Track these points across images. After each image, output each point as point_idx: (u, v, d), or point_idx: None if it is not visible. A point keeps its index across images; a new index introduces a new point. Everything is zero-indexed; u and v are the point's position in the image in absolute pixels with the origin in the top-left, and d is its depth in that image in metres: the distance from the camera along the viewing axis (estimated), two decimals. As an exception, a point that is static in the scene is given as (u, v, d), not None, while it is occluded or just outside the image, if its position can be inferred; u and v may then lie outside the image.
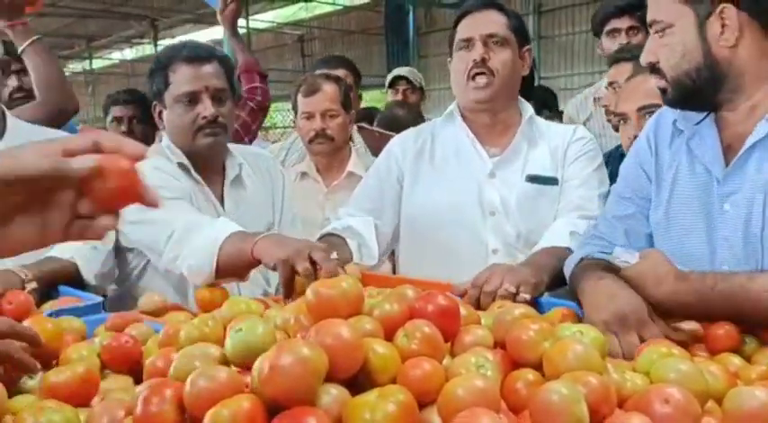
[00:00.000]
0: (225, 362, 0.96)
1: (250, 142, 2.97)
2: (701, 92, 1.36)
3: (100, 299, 1.65)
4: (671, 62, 1.37)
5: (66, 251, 1.86)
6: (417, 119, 3.28)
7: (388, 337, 1.00)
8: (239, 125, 2.89)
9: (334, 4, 15.93)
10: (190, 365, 0.94)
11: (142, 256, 1.95)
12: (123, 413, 0.94)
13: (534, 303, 1.45)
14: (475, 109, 1.96)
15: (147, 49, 20.57)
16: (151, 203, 0.72)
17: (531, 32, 13.88)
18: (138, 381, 1.15)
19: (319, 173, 2.63)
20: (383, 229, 2.00)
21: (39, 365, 1.10)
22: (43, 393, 1.04)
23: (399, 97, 4.11)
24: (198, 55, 1.92)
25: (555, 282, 1.60)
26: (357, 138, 2.87)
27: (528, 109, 2.00)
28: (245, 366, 0.93)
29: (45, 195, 0.70)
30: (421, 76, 4.30)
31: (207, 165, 1.97)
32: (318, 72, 2.92)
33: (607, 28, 2.98)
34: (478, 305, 1.45)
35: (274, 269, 1.47)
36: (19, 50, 2.28)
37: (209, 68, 1.92)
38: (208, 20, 13.94)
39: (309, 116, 2.50)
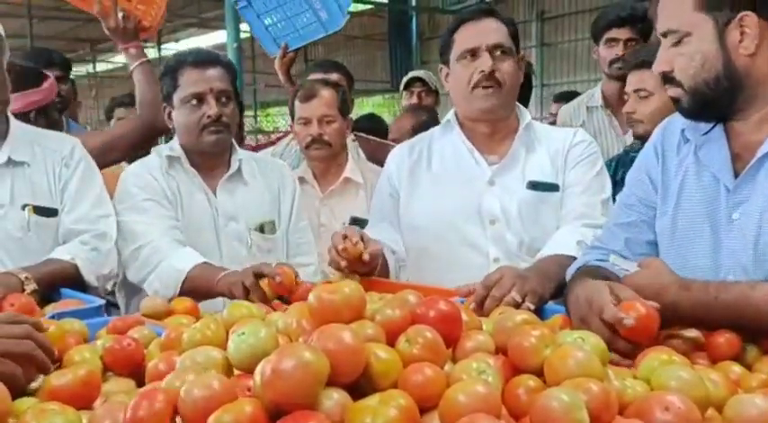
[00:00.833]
0: (227, 365, 0.96)
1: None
2: (718, 101, 1.35)
3: (102, 301, 1.65)
4: (690, 71, 1.35)
5: (66, 252, 1.87)
6: (430, 123, 3.24)
7: (390, 342, 1.00)
8: None
9: (337, 9, 15.92)
10: (194, 369, 0.94)
11: None
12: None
13: (537, 310, 1.45)
14: (479, 118, 1.95)
15: (150, 53, 20.59)
16: None
17: (533, 39, 13.96)
18: (140, 383, 1.15)
19: (315, 178, 2.63)
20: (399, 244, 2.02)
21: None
22: (45, 396, 1.04)
23: (414, 100, 4.03)
24: (204, 60, 2.09)
25: (559, 290, 1.60)
26: (352, 146, 2.86)
27: (526, 115, 1.99)
28: (248, 370, 0.93)
29: None
30: (436, 78, 4.24)
31: (210, 159, 2.13)
32: (315, 77, 2.92)
33: (606, 36, 2.99)
34: (482, 306, 1.45)
35: (232, 298, 1.70)
36: (130, 69, 2.53)
37: (213, 72, 2.08)
38: (211, 25, 13.98)
39: (306, 122, 2.51)
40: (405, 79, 4.23)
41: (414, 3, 17.18)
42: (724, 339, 1.22)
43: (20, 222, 1.88)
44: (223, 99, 2.07)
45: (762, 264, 1.32)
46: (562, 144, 1.95)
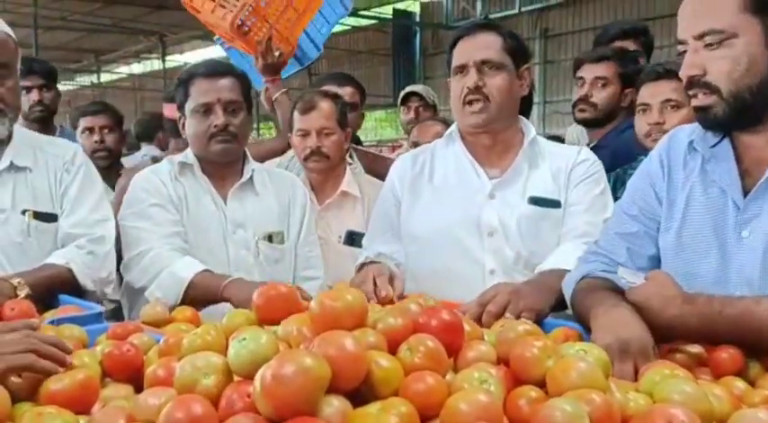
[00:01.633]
0: (227, 371, 0.96)
1: None
2: (755, 109, 1.31)
3: (101, 308, 1.65)
4: (734, 75, 1.29)
5: (61, 257, 1.87)
6: None
7: (392, 350, 1.00)
8: None
9: (341, 23, 16.07)
10: (194, 374, 0.94)
11: None
12: (123, 421, 0.94)
13: (537, 325, 1.44)
14: (471, 132, 1.97)
15: (154, 64, 20.71)
16: None
17: (537, 56, 14.04)
18: (138, 389, 1.14)
19: (313, 190, 2.63)
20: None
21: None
22: (43, 399, 1.04)
23: (412, 115, 4.01)
24: (214, 71, 2.13)
25: (559, 304, 1.59)
26: (355, 158, 2.86)
27: (531, 130, 1.99)
28: (248, 376, 0.92)
29: None
30: (434, 93, 4.22)
31: (221, 167, 2.17)
32: (327, 88, 2.93)
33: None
34: (478, 323, 1.45)
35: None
36: (273, 98, 2.93)
37: (223, 83, 2.11)
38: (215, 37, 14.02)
39: (305, 134, 2.50)
40: (402, 94, 4.20)
41: (417, 18, 17.31)
42: (727, 355, 1.21)
43: (20, 227, 1.88)
44: (232, 109, 2.10)
45: None
46: (566, 161, 1.94)
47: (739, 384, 1.15)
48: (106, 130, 3.41)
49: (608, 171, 2.06)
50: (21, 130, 2.02)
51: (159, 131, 4.73)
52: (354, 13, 13.96)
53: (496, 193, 1.93)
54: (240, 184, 2.17)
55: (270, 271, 2.12)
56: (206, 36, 15.03)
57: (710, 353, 1.23)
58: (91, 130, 3.41)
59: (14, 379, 1.06)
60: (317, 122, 2.49)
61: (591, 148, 2.47)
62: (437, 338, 1.00)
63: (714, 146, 1.40)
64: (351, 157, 2.85)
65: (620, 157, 2.44)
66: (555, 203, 1.91)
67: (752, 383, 1.18)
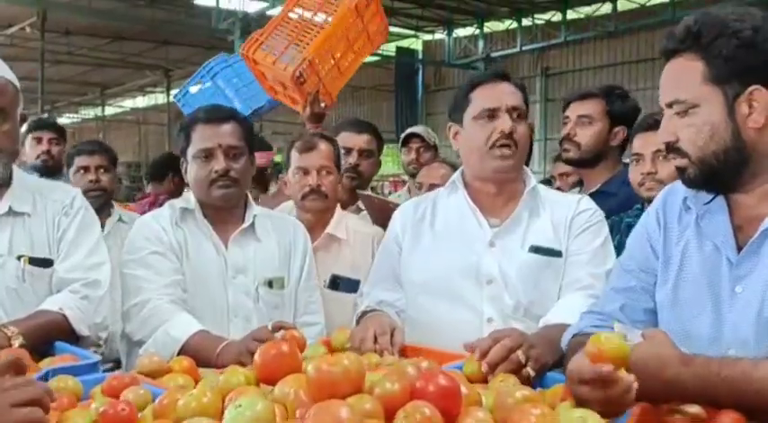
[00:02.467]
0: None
1: None
2: (724, 173, 1.35)
3: (97, 358, 1.64)
4: (698, 143, 1.34)
5: (54, 303, 1.86)
6: None
7: (389, 416, 0.99)
8: None
9: (345, 60, 16.21)
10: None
11: None
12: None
13: (539, 378, 1.44)
14: (491, 178, 1.96)
15: (159, 98, 20.91)
16: None
17: (537, 94, 14.19)
18: (132, 450, 1.13)
19: None
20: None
21: None
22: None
23: (413, 156, 4.04)
24: (215, 117, 2.14)
25: (561, 358, 1.58)
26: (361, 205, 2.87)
27: (531, 178, 2.01)
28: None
29: None
30: (435, 134, 4.24)
31: (222, 212, 2.16)
32: (346, 134, 3.06)
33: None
34: (485, 355, 1.44)
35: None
36: None
37: (224, 128, 2.11)
38: (219, 73, 14.16)
39: (305, 172, 2.51)
40: (402, 135, 4.23)
41: (420, 56, 17.52)
42: (729, 420, 1.19)
43: (15, 273, 1.88)
44: (233, 154, 2.11)
45: (764, 338, 1.30)
46: (566, 211, 1.95)
47: (742, 450, 1.14)
48: (101, 170, 3.40)
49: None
50: (21, 175, 2.03)
51: (170, 172, 4.77)
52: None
53: (496, 242, 1.93)
54: (241, 230, 2.16)
55: (269, 316, 2.09)
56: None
57: (713, 416, 1.21)
58: (86, 169, 3.40)
59: None
60: (317, 161, 2.50)
61: (595, 194, 2.48)
62: (434, 405, 0.99)
63: (707, 203, 1.42)
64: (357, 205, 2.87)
65: (630, 207, 2.40)
66: (556, 253, 1.91)
67: (753, 448, 1.17)
